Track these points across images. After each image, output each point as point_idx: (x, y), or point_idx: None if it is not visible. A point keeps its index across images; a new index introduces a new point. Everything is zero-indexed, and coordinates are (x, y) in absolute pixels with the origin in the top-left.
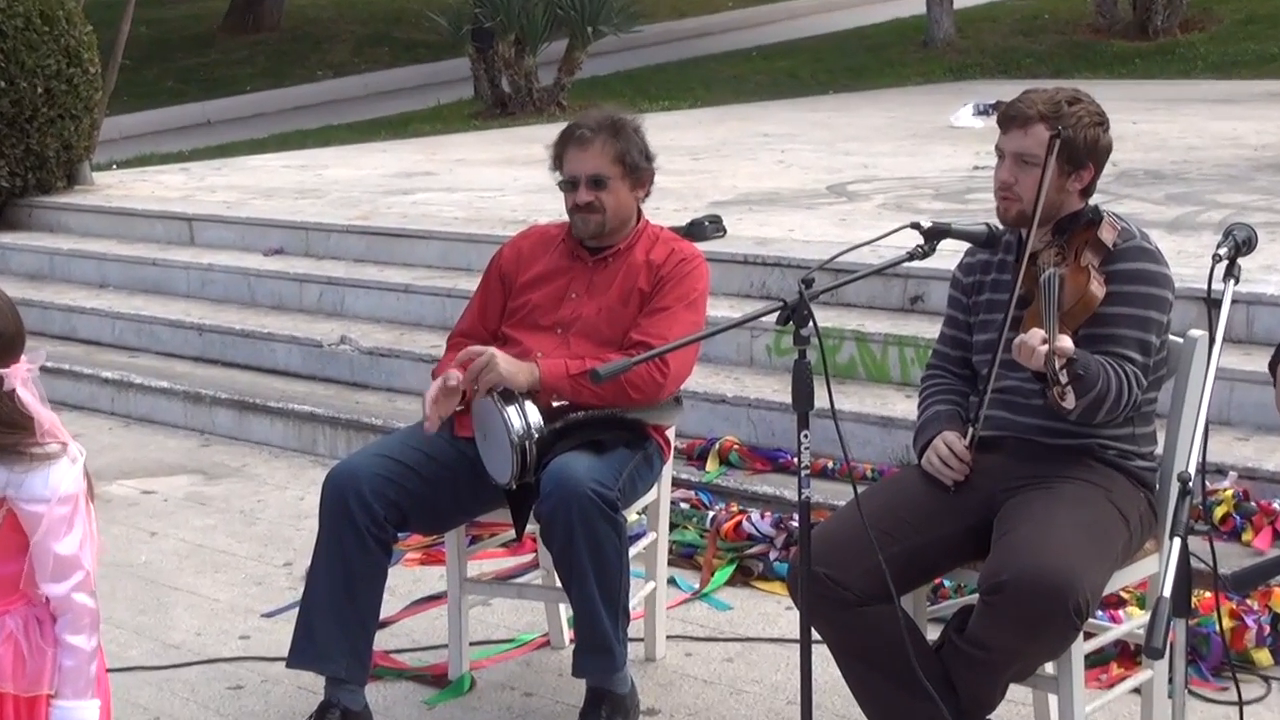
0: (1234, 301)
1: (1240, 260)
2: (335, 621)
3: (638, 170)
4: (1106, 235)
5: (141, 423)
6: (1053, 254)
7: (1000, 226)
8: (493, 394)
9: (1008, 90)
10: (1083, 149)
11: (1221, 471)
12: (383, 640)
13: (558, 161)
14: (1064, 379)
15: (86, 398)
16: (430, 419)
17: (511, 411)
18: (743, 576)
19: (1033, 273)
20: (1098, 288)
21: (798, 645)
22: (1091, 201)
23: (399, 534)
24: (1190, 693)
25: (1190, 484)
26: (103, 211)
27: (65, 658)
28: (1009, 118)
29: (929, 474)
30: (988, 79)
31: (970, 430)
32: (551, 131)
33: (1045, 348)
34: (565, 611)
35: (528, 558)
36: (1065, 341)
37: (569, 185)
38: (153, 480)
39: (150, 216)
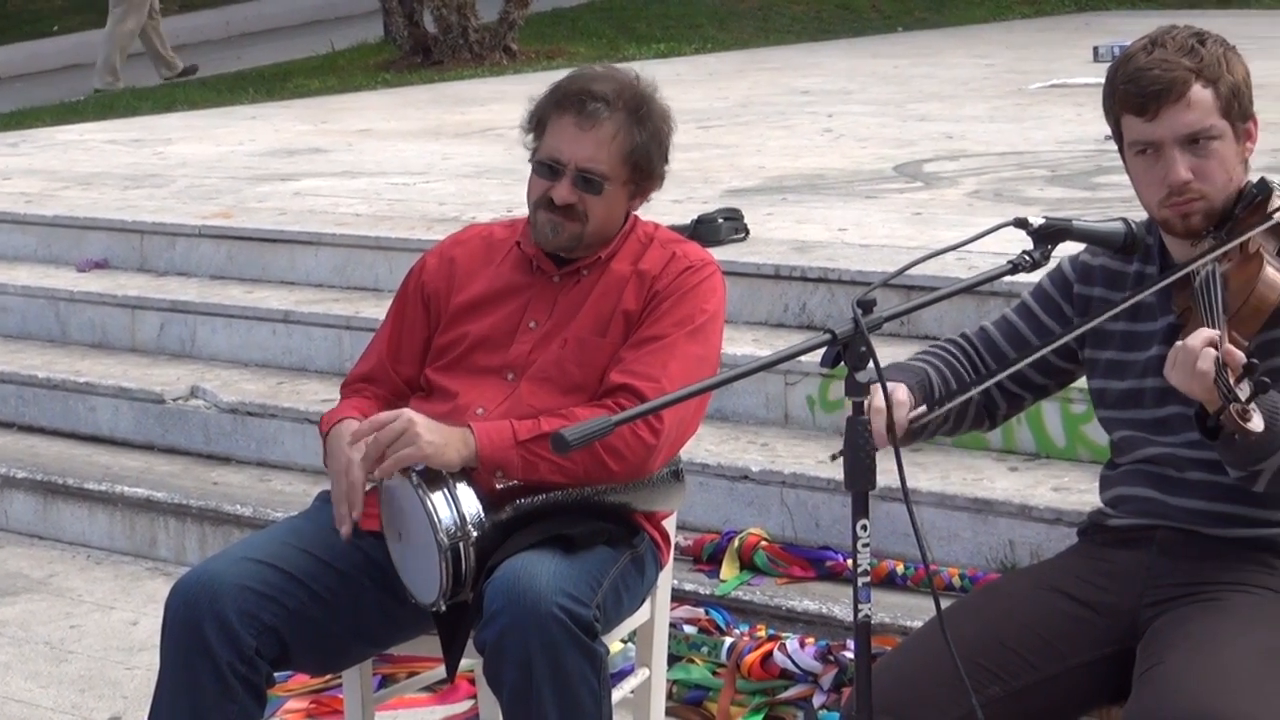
0: None
1: None
2: None
3: (647, 179)
4: None
5: None
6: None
7: (1139, 226)
8: (410, 474)
9: (1150, 25)
10: (1246, 97)
11: None
12: None
13: (538, 127)
14: (1245, 392)
15: None
16: (343, 518)
17: (438, 499)
18: None
19: (1185, 294)
20: (1277, 277)
21: None
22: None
23: (276, 674)
24: None
25: None
26: None
27: None
28: (1152, 94)
29: (1045, 581)
30: (1123, 9)
31: (924, 410)
32: (496, 88)
33: (1213, 351)
34: None
35: (463, 707)
36: (1235, 354)
37: (547, 169)
38: None
39: None
